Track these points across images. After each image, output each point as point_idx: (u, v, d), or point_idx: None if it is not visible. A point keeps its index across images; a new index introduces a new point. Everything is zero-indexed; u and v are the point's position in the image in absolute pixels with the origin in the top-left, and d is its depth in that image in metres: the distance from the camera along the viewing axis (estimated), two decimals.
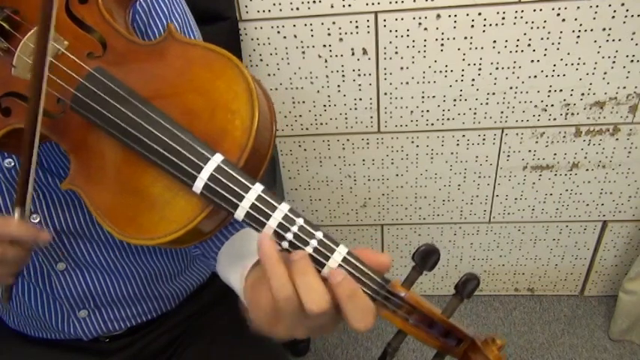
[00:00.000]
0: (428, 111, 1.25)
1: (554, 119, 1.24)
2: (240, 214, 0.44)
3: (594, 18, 1.09)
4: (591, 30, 1.10)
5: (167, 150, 0.45)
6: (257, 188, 0.44)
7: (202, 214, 0.45)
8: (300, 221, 0.44)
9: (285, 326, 0.46)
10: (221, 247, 0.65)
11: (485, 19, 1.11)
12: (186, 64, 0.49)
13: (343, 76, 1.21)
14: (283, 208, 0.44)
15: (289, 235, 0.44)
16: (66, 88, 0.48)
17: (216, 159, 0.44)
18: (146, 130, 0.45)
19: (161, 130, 0.45)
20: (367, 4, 1.11)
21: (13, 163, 0.59)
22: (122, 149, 0.48)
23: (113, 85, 0.47)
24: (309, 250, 0.44)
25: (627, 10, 1.07)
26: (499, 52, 1.15)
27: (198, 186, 0.44)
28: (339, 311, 0.44)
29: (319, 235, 0.44)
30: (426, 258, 0.46)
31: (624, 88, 1.18)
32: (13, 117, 0.51)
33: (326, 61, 1.19)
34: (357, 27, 1.14)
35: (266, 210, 0.44)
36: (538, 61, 1.16)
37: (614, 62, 1.15)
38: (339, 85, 1.23)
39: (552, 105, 1.22)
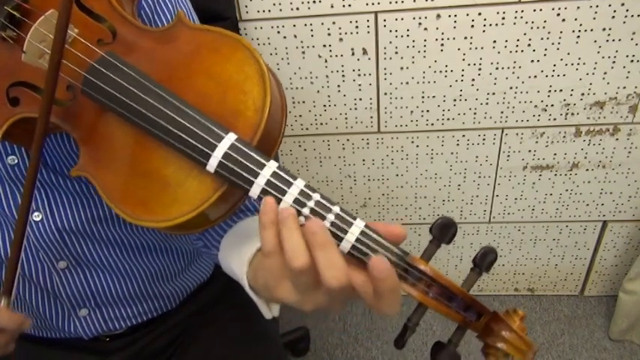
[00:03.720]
0: (428, 111, 1.25)
1: (554, 119, 1.24)
2: (255, 191, 0.44)
3: (594, 18, 1.09)
4: (591, 30, 1.11)
5: (180, 130, 0.45)
6: (271, 165, 0.44)
7: (216, 194, 0.45)
8: (316, 196, 0.44)
9: (294, 290, 0.45)
10: (224, 235, 0.64)
11: (485, 19, 1.11)
12: (196, 48, 0.49)
13: (343, 76, 1.21)
14: (299, 184, 0.44)
15: (306, 210, 0.44)
16: (78, 72, 0.49)
17: (230, 137, 0.44)
18: (159, 110, 0.45)
19: (174, 110, 0.45)
20: (367, 4, 1.11)
21: (16, 160, 0.59)
22: (133, 132, 0.48)
23: (124, 67, 0.47)
24: (326, 224, 0.43)
25: (627, 10, 1.07)
26: (499, 52, 1.15)
27: (212, 164, 0.44)
28: (354, 290, 0.43)
29: (336, 209, 0.44)
30: (444, 230, 0.45)
31: (624, 88, 1.18)
32: (22, 106, 0.51)
33: (326, 61, 1.20)
34: (357, 27, 1.14)
35: (281, 186, 0.44)
36: (538, 61, 1.16)
37: (614, 62, 1.15)
38: (339, 85, 1.23)
39: (552, 105, 1.22)
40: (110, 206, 0.48)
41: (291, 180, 0.44)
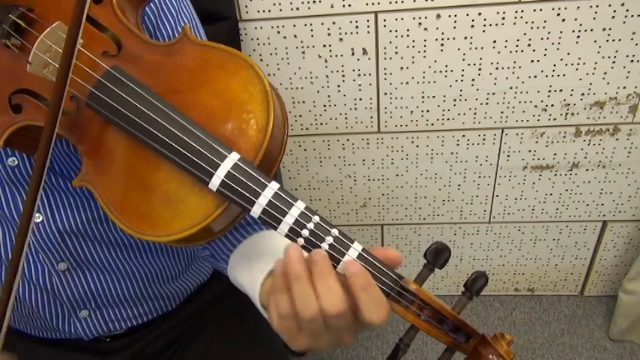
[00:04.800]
0: (428, 111, 1.25)
1: (554, 119, 1.24)
2: (256, 211, 0.44)
3: (594, 18, 1.09)
4: (591, 30, 1.11)
5: (184, 147, 0.45)
6: (273, 186, 0.44)
7: (217, 211, 0.45)
8: (315, 219, 0.45)
9: (307, 338, 0.47)
10: (233, 250, 0.64)
11: (485, 19, 1.11)
12: (201, 65, 0.49)
13: (343, 76, 1.21)
14: (299, 206, 0.44)
15: (305, 232, 0.44)
16: (82, 85, 0.48)
17: (233, 157, 0.44)
18: (163, 127, 0.46)
19: (178, 127, 0.45)
20: (367, 4, 1.11)
21: (16, 162, 0.59)
22: (136, 146, 0.48)
23: (130, 82, 0.47)
24: (324, 246, 0.45)
25: (627, 10, 1.07)
26: (499, 52, 1.15)
27: (214, 183, 0.44)
28: (356, 316, 0.44)
29: (335, 232, 0.45)
30: (438, 256, 0.47)
31: (624, 88, 1.18)
32: (24, 114, 0.51)
33: (326, 61, 1.19)
34: (357, 27, 1.14)
35: (282, 207, 0.44)
36: (538, 61, 1.16)
37: (614, 62, 1.15)
38: (339, 85, 1.23)
39: (552, 105, 1.22)
40: (111, 218, 0.48)
41: (292, 202, 0.44)
